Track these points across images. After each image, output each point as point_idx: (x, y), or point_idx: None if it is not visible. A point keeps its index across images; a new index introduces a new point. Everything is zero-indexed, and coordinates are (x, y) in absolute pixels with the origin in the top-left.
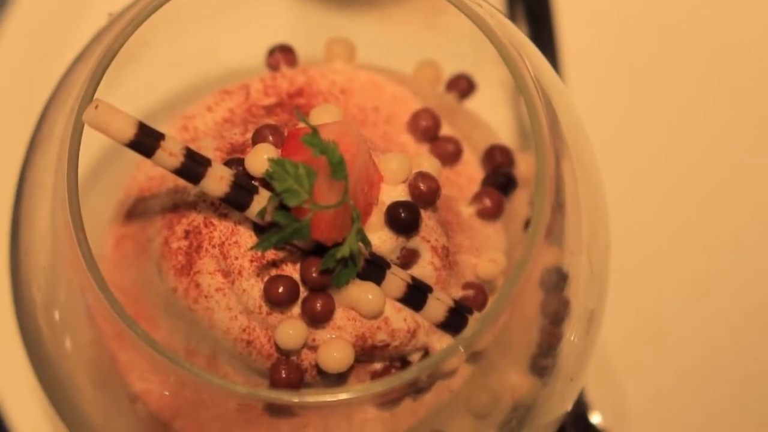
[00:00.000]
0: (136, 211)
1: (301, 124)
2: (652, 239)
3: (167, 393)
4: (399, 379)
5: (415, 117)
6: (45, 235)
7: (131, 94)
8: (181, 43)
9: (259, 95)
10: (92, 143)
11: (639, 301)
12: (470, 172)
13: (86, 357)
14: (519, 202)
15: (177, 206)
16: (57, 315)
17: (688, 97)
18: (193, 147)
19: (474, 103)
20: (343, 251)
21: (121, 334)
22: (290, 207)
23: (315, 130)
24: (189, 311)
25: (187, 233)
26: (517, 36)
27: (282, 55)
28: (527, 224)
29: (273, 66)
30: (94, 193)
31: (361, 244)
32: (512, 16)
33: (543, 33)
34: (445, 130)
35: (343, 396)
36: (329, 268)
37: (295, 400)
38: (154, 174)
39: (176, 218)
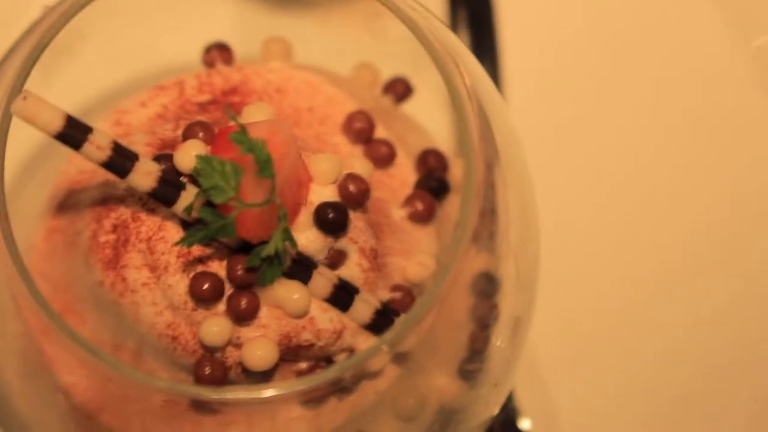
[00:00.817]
0: (66, 204)
1: (233, 122)
2: (582, 247)
3: (92, 387)
4: (322, 377)
5: (350, 118)
6: None
7: (66, 87)
8: (118, 37)
9: (193, 92)
10: (29, 138)
11: (569, 309)
12: (404, 175)
13: (13, 348)
14: (452, 207)
15: (106, 200)
16: None
17: (624, 112)
18: (124, 142)
19: (411, 107)
20: (268, 249)
21: (46, 327)
22: (216, 204)
23: (243, 128)
24: (115, 305)
25: (115, 227)
26: (453, 41)
27: (218, 52)
28: None
29: (209, 63)
30: (28, 187)
31: (287, 243)
32: (454, 22)
33: (484, 41)
34: (380, 133)
35: (265, 393)
36: (254, 266)
37: (214, 396)
38: (85, 167)
39: (105, 212)
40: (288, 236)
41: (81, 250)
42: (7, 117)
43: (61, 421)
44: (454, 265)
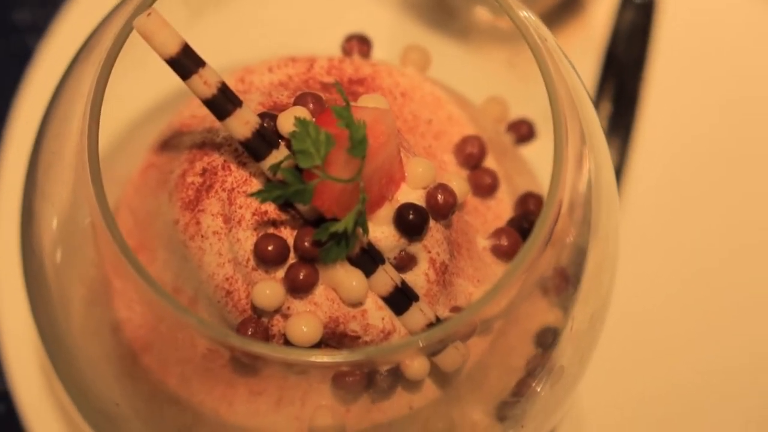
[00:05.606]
0: (170, 143)
1: (341, 97)
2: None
3: (144, 325)
4: (351, 355)
5: (464, 141)
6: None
7: (207, 32)
8: (270, 4)
9: (321, 71)
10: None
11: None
12: (500, 210)
13: (84, 273)
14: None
15: (204, 144)
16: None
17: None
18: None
19: (529, 151)
20: (338, 226)
21: (116, 258)
22: (301, 170)
23: (348, 105)
24: (183, 247)
25: (204, 171)
26: (586, 105)
27: (358, 43)
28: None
29: (347, 51)
30: (154, 121)
31: (359, 228)
32: (600, 91)
33: (623, 115)
34: (489, 164)
35: (303, 356)
36: (321, 240)
37: (254, 349)
38: (198, 113)
39: (199, 155)
40: (362, 221)
41: (168, 187)
42: (127, 30)
43: (106, 354)
44: (505, 287)
